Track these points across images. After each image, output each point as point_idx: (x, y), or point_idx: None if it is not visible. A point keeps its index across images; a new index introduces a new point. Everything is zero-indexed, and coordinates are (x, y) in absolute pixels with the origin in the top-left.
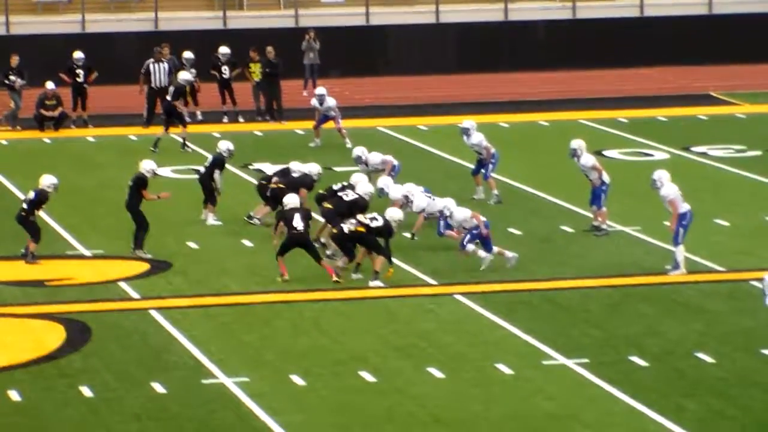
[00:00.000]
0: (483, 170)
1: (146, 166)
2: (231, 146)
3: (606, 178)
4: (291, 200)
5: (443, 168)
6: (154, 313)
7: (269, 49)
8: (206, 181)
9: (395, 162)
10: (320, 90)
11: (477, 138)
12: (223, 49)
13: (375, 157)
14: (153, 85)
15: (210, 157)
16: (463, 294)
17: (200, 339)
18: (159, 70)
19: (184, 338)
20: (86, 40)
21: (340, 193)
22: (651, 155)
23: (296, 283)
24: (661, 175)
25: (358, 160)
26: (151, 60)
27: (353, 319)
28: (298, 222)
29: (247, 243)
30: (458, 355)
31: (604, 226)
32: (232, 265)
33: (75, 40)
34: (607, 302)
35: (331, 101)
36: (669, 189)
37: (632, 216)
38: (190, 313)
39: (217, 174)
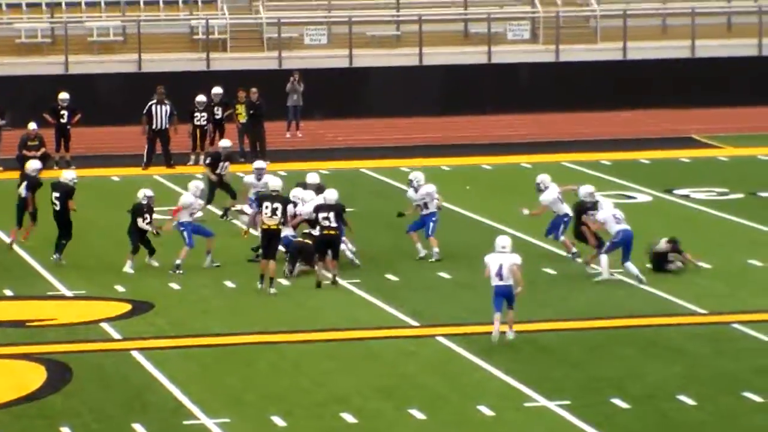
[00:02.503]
0: (424, 227)
1: (141, 193)
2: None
3: (563, 210)
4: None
5: None
6: (135, 354)
7: (253, 90)
8: None
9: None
10: (259, 164)
11: (430, 188)
12: (216, 90)
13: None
14: (153, 126)
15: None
16: (444, 335)
17: (181, 380)
18: (160, 112)
19: (166, 379)
20: (69, 81)
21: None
22: (634, 197)
23: (278, 323)
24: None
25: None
26: (153, 101)
27: (335, 360)
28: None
29: (229, 284)
30: (439, 397)
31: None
32: (214, 306)
33: (58, 81)
34: (589, 344)
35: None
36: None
37: (614, 259)
38: (171, 354)
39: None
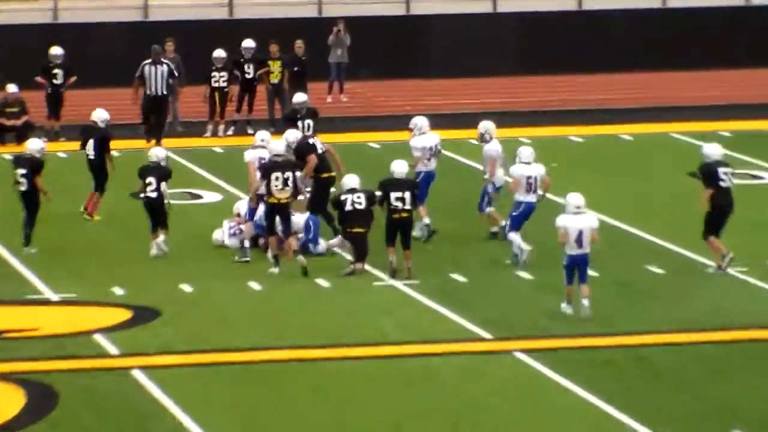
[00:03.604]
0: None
1: (162, 153)
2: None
3: (499, 180)
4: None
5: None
6: (136, 373)
7: (298, 43)
8: None
9: None
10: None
11: (430, 140)
12: (247, 43)
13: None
14: (148, 91)
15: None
16: (524, 351)
17: (193, 405)
18: (156, 74)
19: (173, 404)
20: (59, 32)
21: None
22: (761, 177)
23: (315, 336)
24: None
25: None
26: (148, 61)
27: (385, 382)
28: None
29: (254, 286)
30: (517, 426)
31: (494, 229)
32: (235, 313)
33: (45, 33)
34: (704, 362)
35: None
36: (426, 140)
37: (737, 254)
38: (181, 374)
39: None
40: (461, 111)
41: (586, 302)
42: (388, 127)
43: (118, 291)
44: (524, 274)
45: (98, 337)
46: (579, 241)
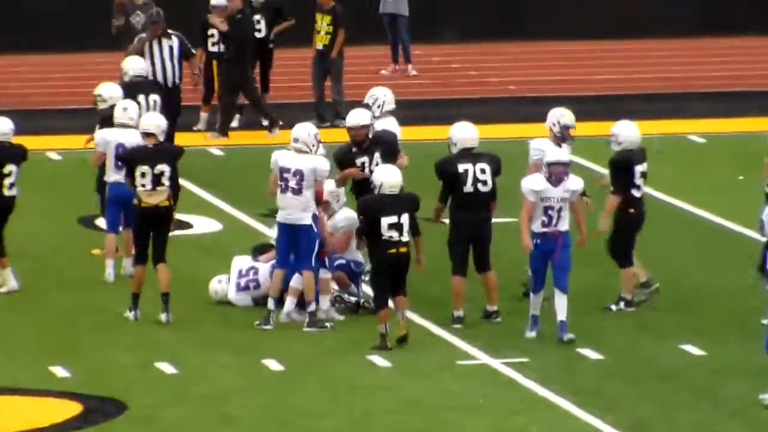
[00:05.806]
0: None
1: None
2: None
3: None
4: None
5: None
6: None
7: None
8: None
9: None
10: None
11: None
12: None
13: None
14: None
15: None
16: None
17: None
18: (162, 55)
19: None
20: None
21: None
22: None
23: None
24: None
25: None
26: (146, 35)
27: None
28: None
29: (271, 365)
30: None
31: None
32: (243, 408)
33: None
34: None
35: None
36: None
37: None
38: None
39: None
40: (598, 93)
41: None
42: (479, 117)
43: (59, 371)
44: (693, 349)
45: None
46: None
